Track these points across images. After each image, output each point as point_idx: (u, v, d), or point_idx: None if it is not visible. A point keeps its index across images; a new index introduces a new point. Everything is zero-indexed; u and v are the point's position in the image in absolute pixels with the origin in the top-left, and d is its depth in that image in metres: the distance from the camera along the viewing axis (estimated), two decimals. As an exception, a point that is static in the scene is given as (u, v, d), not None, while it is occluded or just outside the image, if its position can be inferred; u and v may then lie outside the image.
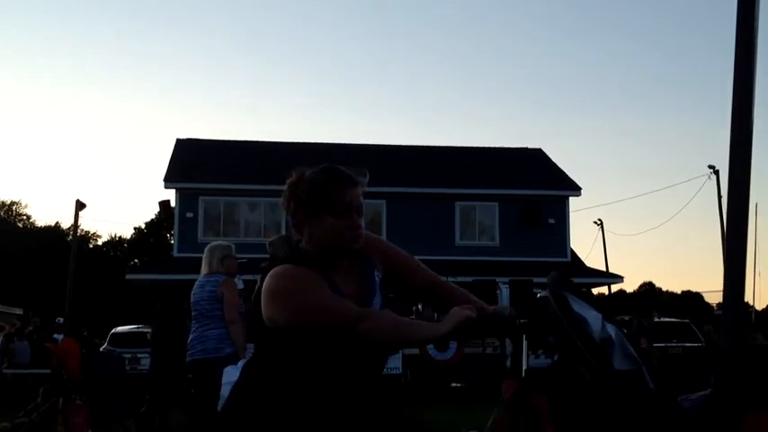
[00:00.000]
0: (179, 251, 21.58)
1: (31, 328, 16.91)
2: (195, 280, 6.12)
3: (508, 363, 14.49)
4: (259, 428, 2.13)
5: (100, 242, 50.19)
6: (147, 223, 48.10)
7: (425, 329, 2.06)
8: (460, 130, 62.69)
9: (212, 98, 68.19)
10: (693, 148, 63.64)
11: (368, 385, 2.20)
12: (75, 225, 16.88)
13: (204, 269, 6.05)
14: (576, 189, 23.69)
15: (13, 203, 50.27)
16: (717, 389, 3.35)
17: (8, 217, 49.63)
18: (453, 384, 15.25)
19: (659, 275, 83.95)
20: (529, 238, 22.37)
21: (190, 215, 21.85)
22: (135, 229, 48.97)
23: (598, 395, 2.02)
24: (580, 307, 2.09)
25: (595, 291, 24.98)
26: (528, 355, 2.18)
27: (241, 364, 5.59)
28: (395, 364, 13.22)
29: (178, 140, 25.17)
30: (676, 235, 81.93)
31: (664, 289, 55.29)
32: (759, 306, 29.36)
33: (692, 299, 46.56)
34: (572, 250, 23.63)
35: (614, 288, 29.69)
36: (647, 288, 54.26)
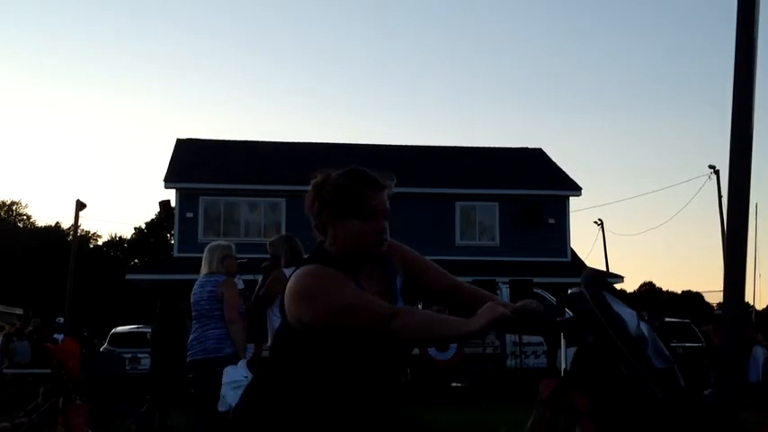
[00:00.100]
0: (179, 251, 21.54)
1: (31, 328, 16.86)
2: (195, 280, 6.11)
3: (508, 363, 14.52)
4: (277, 429, 2.09)
5: (100, 242, 50.28)
6: (147, 223, 48.12)
7: (459, 325, 1.95)
8: (460, 130, 62.79)
9: (212, 98, 68.30)
10: (693, 148, 63.69)
11: (389, 388, 2.17)
12: (76, 225, 16.90)
13: (204, 269, 6.05)
14: (576, 189, 23.66)
15: (13, 203, 50.36)
16: (717, 389, 3.36)
17: (8, 217, 49.65)
18: (453, 384, 15.24)
19: (659, 275, 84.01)
20: (529, 238, 22.34)
21: (190, 215, 21.82)
22: (135, 229, 49.05)
23: (638, 393, 2.00)
24: (617, 305, 2.08)
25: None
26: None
27: (241, 364, 5.60)
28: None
29: (178, 140, 25.15)
30: (676, 235, 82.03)
31: (664, 289, 55.41)
32: (759, 306, 29.32)
33: (692, 299, 46.59)
34: (572, 250, 23.60)
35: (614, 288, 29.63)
36: (648, 288, 54.28)
